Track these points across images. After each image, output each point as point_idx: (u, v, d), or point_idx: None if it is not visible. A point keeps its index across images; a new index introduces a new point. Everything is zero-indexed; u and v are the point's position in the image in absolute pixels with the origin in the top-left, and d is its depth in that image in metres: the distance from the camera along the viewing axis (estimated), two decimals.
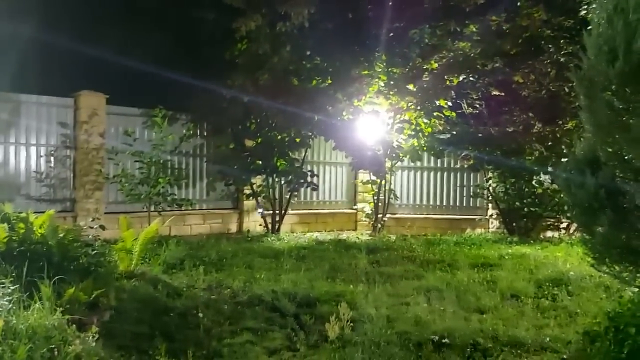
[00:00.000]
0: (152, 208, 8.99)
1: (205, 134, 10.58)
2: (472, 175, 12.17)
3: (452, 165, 12.38)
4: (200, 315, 4.92)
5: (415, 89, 10.57)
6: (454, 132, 11.09)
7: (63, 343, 3.75)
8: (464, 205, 12.42)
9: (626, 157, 2.99)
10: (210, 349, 4.36)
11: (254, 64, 9.07)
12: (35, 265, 4.70)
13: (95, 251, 5.36)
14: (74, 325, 4.04)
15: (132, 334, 4.47)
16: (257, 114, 10.09)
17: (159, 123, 8.97)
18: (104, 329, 4.32)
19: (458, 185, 12.42)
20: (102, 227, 6.60)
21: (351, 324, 4.68)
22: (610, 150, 3.05)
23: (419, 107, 10.69)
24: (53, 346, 3.68)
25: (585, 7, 7.67)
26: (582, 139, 3.37)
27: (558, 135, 10.09)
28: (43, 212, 5.65)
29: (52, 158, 9.07)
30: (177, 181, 9.44)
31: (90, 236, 5.99)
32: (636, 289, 3.22)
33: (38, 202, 8.69)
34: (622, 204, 3.05)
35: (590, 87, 3.06)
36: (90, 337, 3.92)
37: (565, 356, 4.15)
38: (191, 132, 10.17)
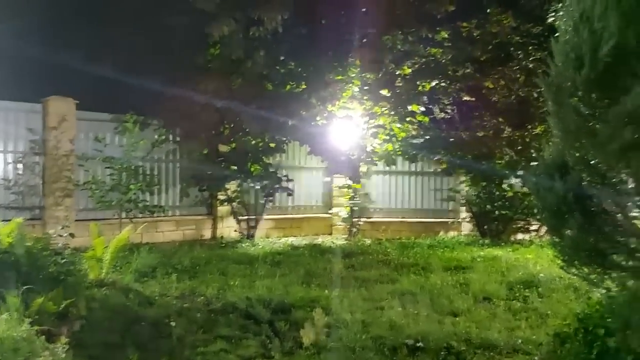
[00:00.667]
0: (124, 215, 8.84)
1: (178, 139, 10.46)
2: (445, 179, 12.32)
3: (425, 170, 12.51)
4: (173, 324, 4.84)
5: (388, 94, 10.67)
6: (427, 137, 11.22)
7: (32, 355, 3.66)
8: (438, 208, 12.54)
9: (593, 162, 3.06)
10: (183, 358, 4.30)
11: (227, 69, 9.03)
12: (2, 275, 4.57)
13: (64, 260, 5.24)
14: (43, 336, 3.94)
15: (103, 344, 4.37)
16: (230, 119, 10.04)
17: (130, 129, 8.84)
18: (74, 339, 4.22)
19: (431, 189, 12.56)
20: (72, 235, 6.46)
21: (326, 330, 4.68)
22: (577, 154, 3.12)
23: (392, 112, 10.80)
24: (21, 358, 3.58)
25: (553, 14, 7.87)
26: (550, 143, 3.44)
27: (527, 140, 10.30)
28: (11, 220, 5.49)
29: (20, 165, 8.84)
30: (149, 187, 9.30)
31: (59, 244, 5.84)
32: (604, 291, 3.30)
33: (6, 210, 8.44)
34: (589, 207, 3.12)
35: (558, 93, 3.13)
36: (60, 348, 3.83)
37: (536, 358, 4.22)
38: (163, 137, 10.05)
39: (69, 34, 9.50)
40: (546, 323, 5.16)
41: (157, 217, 9.67)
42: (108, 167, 8.88)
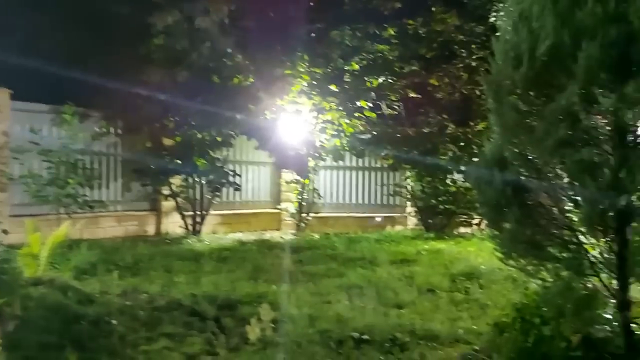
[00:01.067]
0: (62, 210, 8.48)
1: (120, 132, 10.12)
2: (391, 174, 12.52)
3: (372, 165, 12.66)
4: (114, 322, 4.69)
5: (337, 90, 10.72)
6: (374, 133, 11.36)
7: None
8: (385, 203, 12.75)
9: (530, 157, 3.17)
10: (125, 357, 4.17)
11: (171, 60, 8.79)
12: None
13: None
14: None
15: (40, 344, 4.17)
16: (175, 111, 9.80)
17: (69, 120, 8.48)
18: (8, 340, 4.02)
19: (379, 184, 12.73)
20: (5, 232, 6.12)
21: (273, 325, 4.66)
22: (515, 150, 3.23)
23: (340, 108, 10.84)
24: None
25: (495, 14, 8.15)
26: (490, 139, 3.55)
27: (470, 136, 10.62)
28: None
29: None
30: (89, 182, 8.94)
31: None
32: (540, 281, 3.43)
33: None
34: (526, 201, 3.24)
35: (498, 91, 3.23)
36: None
37: (477, 347, 4.35)
38: (105, 130, 9.69)
39: (3, 20, 8.99)
40: (486, 313, 5.32)
41: (98, 212, 9.33)
42: (45, 161, 8.49)
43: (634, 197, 2.91)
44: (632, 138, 2.78)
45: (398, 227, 11.96)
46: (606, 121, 2.92)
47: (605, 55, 2.79)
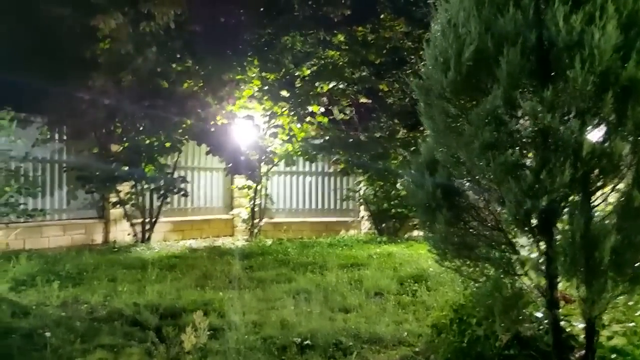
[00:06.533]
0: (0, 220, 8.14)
1: (64, 138, 9.81)
2: (345, 179, 12.59)
3: (325, 170, 12.70)
4: (48, 334, 4.52)
5: (288, 95, 10.71)
6: (327, 138, 11.40)
7: None
8: (338, 208, 12.80)
9: (460, 159, 3.23)
10: None
11: (116, 64, 8.58)
12: None
13: None
14: None
15: None
16: (122, 117, 9.58)
17: (6, 126, 8.16)
18: None
19: (331, 189, 12.77)
20: None
21: (214, 332, 4.58)
22: (446, 152, 3.29)
23: (292, 113, 10.85)
24: None
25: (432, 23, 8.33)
26: (423, 142, 3.61)
27: (420, 141, 10.76)
28: None
29: None
30: (29, 190, 8.62)
31: None
32: (473, 282, 3.50)
33: None
34: (457, 202, 3.30)
35: (428, 95, 3.29)
36: None
37: (417, 349, 4.40)
38: (47, 136, 9.37)
39: None
40: (431, 315, 5.40)
41: (42, 221, 9.01)
42: None
43: (556, 198, 2.99)
44: (552, 140, 2.87)
45: (352, 232, 12.01)
46: (529, 124, 3.00)
47: (525, 60, 2.87)
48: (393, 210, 11.19)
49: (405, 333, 4.88)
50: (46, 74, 8.04)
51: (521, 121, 3.12)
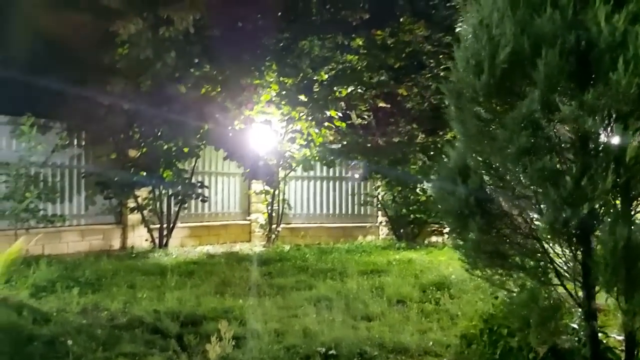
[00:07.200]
0: (20, 225, 8.16)
1: (83, 143, 9.84)
2: (363, 184, 12.48)
3: (343, 175, 12.60)
4: (70, 342, 4.47)
5: (306, 100, 10.65)
6: (345, 142, 11.32)
7: None
8: (356, 213, 12.68)
9: (493, 165, 3.12)
10: None
11: (135, 69, 8.58)
12: None
13: None
14: None
15: None
16: (140, 122, 9.58)
17: (27, 132, 8.20)
18: None
19: (349, 194, 12.67)
20: None
21: (237, 341, 4.50)
22: (479, 158, 3.18)
23: (310, 118, 10.77)
24: None
25: (460, 24, 8.21)
26: (453, 148, 3.50)
27: (439, 145, 10.66)
28: None
29: None
30: (49, 195, 8.63)
31: None
32: (506, 291, 3.38)
33: None
34: (490, 210, 3.19)
35: (459, 99, 3.18)
36: None
37: (445, 359, 4.28)
38: (67, 141, 9.40)
39: None
40: (456, 324, 5.26)
41: (60, 227, 9.02)
42: (1, 174, 8.17)
43: (596, 205, 2.87)
44: (593, 145, 2.75)
45: (369, 238, 11.89)
46: (568, 128, 2.88)
47: (564, 62, 2.76)
48: (412, 216, 11.05)
49: (431, 342, 4.76)
50: (65, 80, 8.06)
51: (558, 125, 3.02)
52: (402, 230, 11.35)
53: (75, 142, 9.74)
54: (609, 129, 2.75)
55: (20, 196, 8.05)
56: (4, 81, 8.03)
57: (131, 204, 9.95)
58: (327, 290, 6.59)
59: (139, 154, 9.88)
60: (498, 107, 3.11)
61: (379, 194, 11.75)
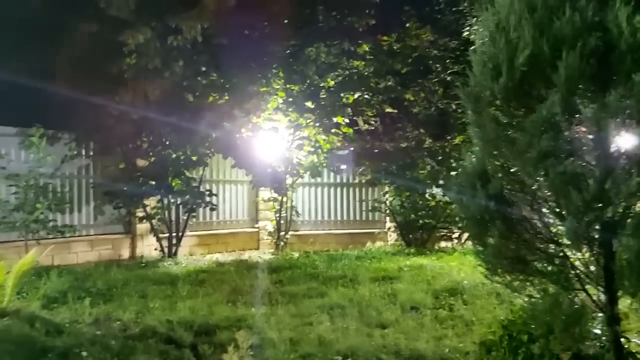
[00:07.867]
0: (31, 236, 8.16)
1: (91, 153, 9.85)
2: (370, 190, 12.44)
3: (351, 181, 12.57)
4: (84, 353, 4.45)
5: (313, 106, 10.64)
6: (352, 148, 11.29)
7: None
8: (364, 219, 12.64)
9: (512, 170, 3.09)
10: None
11: (143, 79, 8.59)
12: None
13: None
14: None
15: None
16: (149, 131, 9.59)
17: (36, 143, 8.20)
18: None
19: (357, 200, 12.63)
20: None
21: (252, 351, 4.46)
22: (497, 163, 3.15)
23: (317, 124, 10.76)
24: None
25: (468, 29, 8.21)
26: (470, 153, 3.46)
27: (447, 150, 10.63)
28: None
29: None
30: (59, 206, 8.63)
31: None
32: (526, 297, 3.33)
33: None
34: (510, 215, 3.15)
35: (477, 103, 3.15)
36: None
37: None
38: (75, 152, 9.41)
39: None
40: (472, 330, 5.22)
41: (70, 237, 9.01)
42: (11, 185, 8.18)
43: (619, 209, 2.83)
44: (616, 148, 2.71)
45: (378, 244, 11.83)
46: (588, 131, 2.85)
47: (585, 64, 2.73)
48: (420, 221, 11.00)
49: (447, 349, 4.71)
50: (74, 90, 8.07)
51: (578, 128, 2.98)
52: (411, 236, 11.29)
53: (84, 152, 9.75)
54: (631, 130, 2.71)
55: (31, 207, 8.05)
56: (13, 92, 8.06)
57: (140, 213, 9.94)
58: (339, 297, 6.55)
59: (147, 163, 9.87)
60: (517, 111, 3.08)
61: (387, 199, 11.71)
